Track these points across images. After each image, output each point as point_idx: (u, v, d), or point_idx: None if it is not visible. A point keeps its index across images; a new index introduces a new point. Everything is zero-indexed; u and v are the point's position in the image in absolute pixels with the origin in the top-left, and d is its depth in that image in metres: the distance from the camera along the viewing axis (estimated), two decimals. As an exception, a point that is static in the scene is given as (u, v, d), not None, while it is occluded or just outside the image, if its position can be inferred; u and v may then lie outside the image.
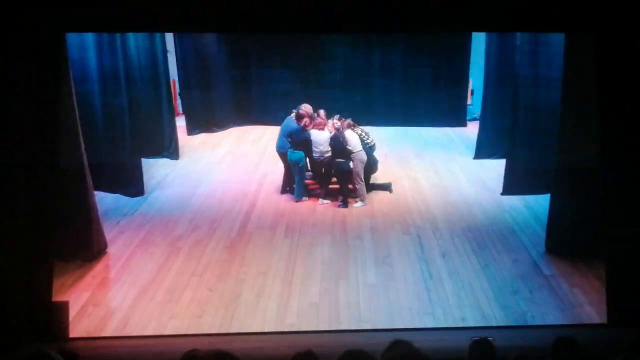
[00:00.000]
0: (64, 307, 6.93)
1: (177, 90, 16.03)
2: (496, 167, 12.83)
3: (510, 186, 11.51)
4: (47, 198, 6.85)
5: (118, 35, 10.68)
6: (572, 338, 4.29)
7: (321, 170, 11.27)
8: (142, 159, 12.77)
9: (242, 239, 9.67)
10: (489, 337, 4.62)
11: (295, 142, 11.05)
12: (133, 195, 11.30)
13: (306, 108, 11.47)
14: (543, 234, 9.56)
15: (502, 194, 11.56)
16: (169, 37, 14.65)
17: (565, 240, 9.10)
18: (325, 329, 7.36)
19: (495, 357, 4.38)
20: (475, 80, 16.31)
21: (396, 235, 9.86)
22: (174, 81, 16.07)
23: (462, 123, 16.28)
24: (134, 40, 12.48)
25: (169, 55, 15.05)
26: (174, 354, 4.12)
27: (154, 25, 8.39)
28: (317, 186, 11.49)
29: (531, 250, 9.38)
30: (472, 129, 15.77)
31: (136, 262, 8.98)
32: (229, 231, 9.96)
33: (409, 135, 15.43)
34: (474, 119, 16.59)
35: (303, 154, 11.11)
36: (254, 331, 7.31)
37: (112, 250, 9.29)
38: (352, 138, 10.92)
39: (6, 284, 6.52)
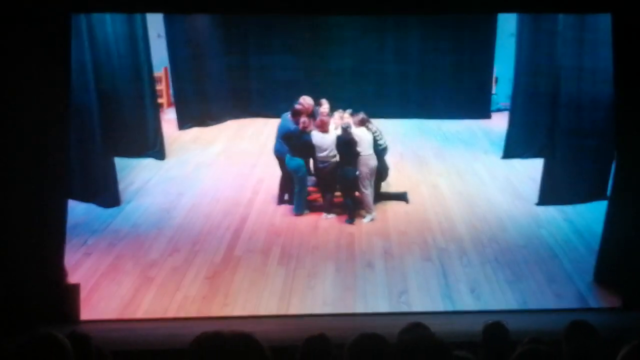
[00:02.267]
0: (75, 289, 6.75)
1: (170, 79, 14.17)
2: (528, 170, 11.12)
3: (548, 195, 9.77)
4: (58, 181, 6.53)
5: (84, 20, 8.88)
6: (587, 322, 4.07)
7: (326, 178, 9.37)
8: (125, 160, 11.23)
9: (228, 267, 7.88)
10: (503, 321, 4.41)
11: (293, 147, 9.21)
12: (107, 206, 9.57)
13: (305, 102, 9.53)
14: (589, 257, 7.99)
15: (538, 204, 9.78)
16: (159, 21, 12.83)
17: (619, 269, 7.29)
18: (338, 312, 6.96)
19: (508, 340, 4.21)
20: (500, 67, 14.39)
21: (414, 261, 8.05)
22: (165, 68, 14.30)
23: (486, 115, 14.31)
24: (112, 26, 10.68)
25: (160, 39, 13.33)
26: (184, 336, 3.71)
27: (162, 5, 7.40)
28: (320, 195, 9.65)
29: (576, 280, 7.66)
30: (496, 122, 14.01)
31: (100, 296, 7.30)
32: (212, 255, 8.16)
33: (426, 130, 13.48)
34: (499, 110, 14.80)
35: (303, 161, 9.26)
36: (267, 314, 6.91)
37: (74, 278, 7.50)
38: (364, 137, 8.98)
39: (18, 266, 6.31)
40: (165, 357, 5.45)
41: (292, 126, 9.16)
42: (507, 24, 13.71)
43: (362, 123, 9.07)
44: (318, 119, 9.12)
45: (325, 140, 8.96)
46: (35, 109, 6.18)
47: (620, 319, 6.63)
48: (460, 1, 6.65)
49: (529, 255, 8.26)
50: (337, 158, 9.06)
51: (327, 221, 9.20)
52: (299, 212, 9.33)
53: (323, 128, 8.98)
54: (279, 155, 9.52)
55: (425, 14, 12.54)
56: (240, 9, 8.48)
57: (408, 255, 8.19)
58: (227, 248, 8.34)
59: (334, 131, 9.06)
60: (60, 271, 6.69)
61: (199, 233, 8.78)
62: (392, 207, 9.60)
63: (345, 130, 8.87)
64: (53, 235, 6.59)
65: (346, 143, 8.86)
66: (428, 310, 7.02)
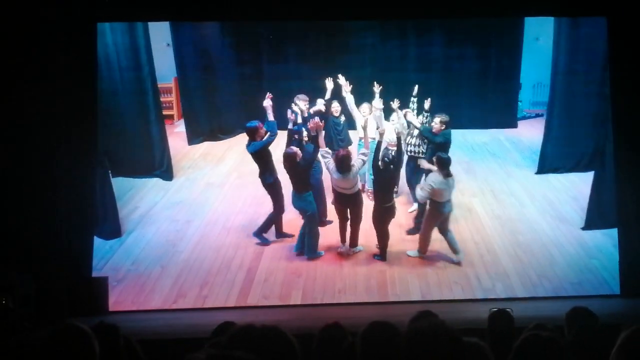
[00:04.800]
0: (103, 282, 6.55)
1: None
2: (566, 187, 9.55)
3: (595, 218, 8.13)
4: (85, 183, 6.37)
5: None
6: (587, 308, 4.02)
7: (344, 207, 7.40)
8: (130, 181, 9.72)
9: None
10: (508, 308, 4.24)
11: (293, 175, 7.29)
12: (106, 238, 7.98)
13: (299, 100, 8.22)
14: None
15: (584, 228, 8.19)
16: (168, 29, 11.22)
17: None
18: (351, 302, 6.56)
19: (513, 326, 4.03)
20: (523, 72, 12.64)
21: (458, 307, 6.46)
22: (176, 79, 12.65)
23: (513, 124, 12.62)
24: (111, 37, 9.09)
25: (170, 48, 11.72)
26: (206, 325, 4.12)
27: (188, 14, 6.82)
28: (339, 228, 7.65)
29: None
30: (523, 131, 12.47)
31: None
32: (222, 304, 6.57)
33: (452, 141, 11.74)
34: (524, 118, 13.14)
35: (311, 198, 7.33)
36: (282, 304, 6.54)
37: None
38: (448, 186, 6.97)
39: (49, 261, 6.12)
40: (188, 345, 4.69)
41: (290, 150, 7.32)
42: (531, 27, 12.09)
43: (447, 173, 6.96)
44: (335, 156, 7.10)
45: (347, 182, 7.06)
46: (63, 120, 6.04)
47: (618, 305, 6.30)
48: (456, 7, 6.30)
49: (585, 293, 6.72)
50: (359, 186, 7.33)
51: (354, 256, 7.52)
52: (312, 255, 7.45)
53: (342, 166, 6.96)
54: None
55: (437, 18, 11.00)
56: (252, 16, 7.37)
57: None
58: (239, 294, 6.72)
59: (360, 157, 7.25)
60: (89, 266, 6.53)
61: (208, 273, 7.17)
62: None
63: (388, 163, 6.98)
64: (82, 230, 6.39)
65: (385, 180, 7.11)
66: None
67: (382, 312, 5.93)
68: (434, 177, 6.96)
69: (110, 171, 8.64)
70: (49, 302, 5.91)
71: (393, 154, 7.06)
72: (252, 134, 7.54)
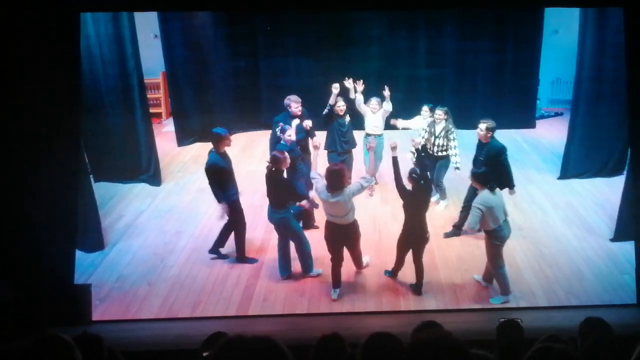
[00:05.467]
0: (86, 290, 6.37)
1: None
2: (591, 193, 9.23)
3: (625, 229, 7.73)
4: (68, 186, 6.17)
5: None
6: (601, 319, 3.91)
7: (338, 242, 6.55)
8: (115, 186, 9.38)
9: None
10: (517, 319, 4.07)
11: (272, 188, 6.77)
12: (88, 250, 7.59)
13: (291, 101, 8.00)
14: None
15: (614, 239, 7.85)
16: (155, 19, 10.81)
17: None
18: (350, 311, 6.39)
19: (523, 337, 3.91)
20: (541, 67, 12.29)
21: (480, 330, 6.07)
22: (164, 73, 12.23)
23: (531, 124, 12.25)
24: (94, 28, 8.70)
25: (157, 40, 11.34)
26: (194, 336, 3.98)
27: (177, 4, 6.64)
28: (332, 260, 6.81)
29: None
30: (542, 131, 12.14)
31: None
32: (217, 327, 6.19)
33: (466, 143, 11.24)
34: (542, 117, 12.78)
35: (288, 213, 6.84)
36: (279, 313, 6.36)
37: None
38: (497, 204, 6.29)
39: (29, 269, 5.98)
40: (176, 357, 5.06)
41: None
42: (550, 19, 11.71)
43: (491, 187, 6.33)
44: (326, 170, 6.36)
45: (339, 207, 6.23)
46: (45, 120, 5.85)
47: (634, 316, 6.16)
48: None
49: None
50: (353, 212, 6.44)
51: (363, 271, 7.07)
52: (310, 274, 6.99)
53: (333, 182, 6.16)
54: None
55: (448, 8, 10.64)
56: (248, 6, 7.12)
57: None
58: (236, 315, 6.31)
59: (358, 183, 6.35)
60: (71, 273, 6.37)
61: (201, 291, 6.75)
62: (441, 250, 7.54)
63: (417, 179, 6.29)
64: (65, 236, 6.25)
65: (418, 200, 6.39)
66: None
67: (382, 322, 5.85)
68: (480, 198, 6.27)
69: (91, 176, 8.28)
70: (29, 311, 5.79)
71: (419, 168, 6.44)
72: (217, 141, 7.01)
